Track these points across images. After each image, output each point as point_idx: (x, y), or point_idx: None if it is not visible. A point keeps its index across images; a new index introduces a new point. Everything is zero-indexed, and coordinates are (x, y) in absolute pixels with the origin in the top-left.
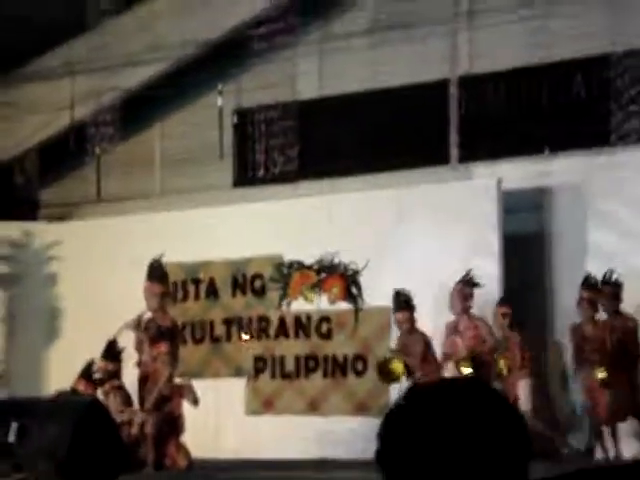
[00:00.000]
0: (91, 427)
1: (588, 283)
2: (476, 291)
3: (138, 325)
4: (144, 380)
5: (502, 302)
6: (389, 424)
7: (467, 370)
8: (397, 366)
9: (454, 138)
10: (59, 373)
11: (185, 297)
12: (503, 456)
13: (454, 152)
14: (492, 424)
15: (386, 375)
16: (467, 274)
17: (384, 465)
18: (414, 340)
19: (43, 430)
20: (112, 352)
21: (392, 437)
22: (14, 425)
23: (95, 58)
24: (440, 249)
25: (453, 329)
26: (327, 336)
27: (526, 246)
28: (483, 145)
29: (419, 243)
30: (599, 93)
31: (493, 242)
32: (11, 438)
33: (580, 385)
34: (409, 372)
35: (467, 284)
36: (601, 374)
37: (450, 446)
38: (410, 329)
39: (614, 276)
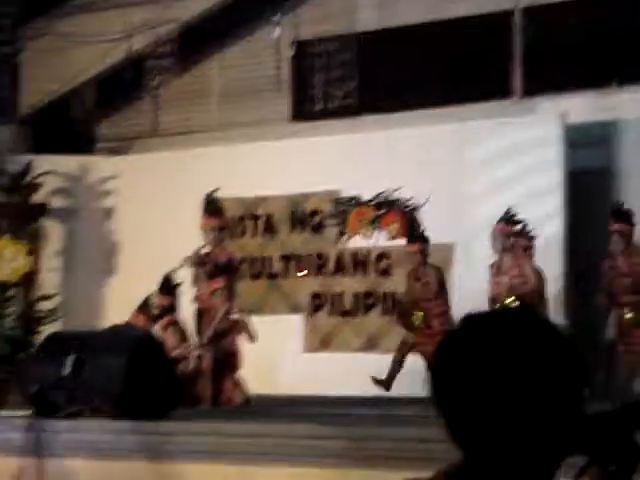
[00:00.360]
0: (145, 361)
1: (619, 213)
2: (541, 228)
3: (196, 260)
4: (201, 315)
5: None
6: (442, 354)
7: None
8: (416, 318)
9: (518, 70)
10: (115, 308)
11: (243, 232)
12: (559, 385)
13: (517, 85)
14: (547, 352)
15: (407, 325)
16: (507, 212)
17: (437, 396)
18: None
19: (98, 363)
20: (168, 287)
21: (445, 368)
22: (70, 358)
23: None
24: (503, 185)
25: (497, 269)
26: (385, 273)
27: (592, 182)
28: (548, 78)
29: (481, 179)
30: None
31: (557, 178)
32: (66, 370)
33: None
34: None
35: (508, 222)
36: (628, 314)
37: (505, 375)
38: (423, 261)
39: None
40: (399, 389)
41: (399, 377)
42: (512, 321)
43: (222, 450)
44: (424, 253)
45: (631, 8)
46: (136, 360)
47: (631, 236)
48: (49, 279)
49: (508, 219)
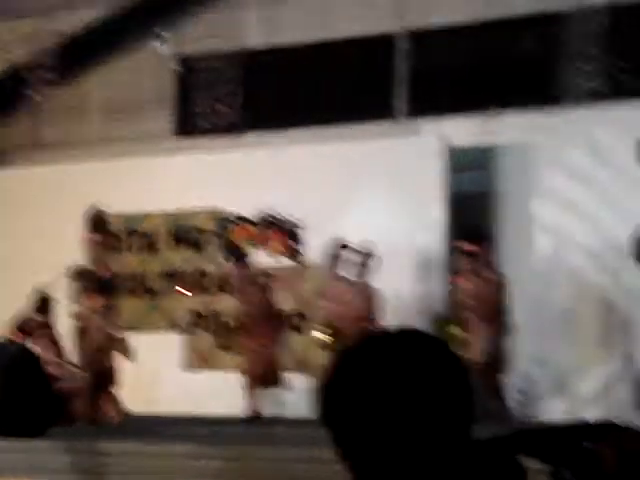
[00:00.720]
0: (22, 378)
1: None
2: (422, 251)
3: (76, 275)
4: (80, 331)
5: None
6: (334, 373)
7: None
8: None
9: (401, 93)
10: None
11: (123, 249)
12: (447, 409)
13: (401, 107)
14: (437, 375)
15: None
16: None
17: (327, 415)
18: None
19: None
20: (43, 303)
21: (336, 388)
22: None
23: (31, 1)
24: (384, 206)
25: (326, 293)
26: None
27: (472, 204)
28: (430, 101)
29: (363, 199)
30: (549, 51)
31: (438, 199)
32: None
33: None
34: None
35: (342, 249)
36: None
37: (395, 397)
38: None
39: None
40: (278, 409)
41: (278, 397)
42: (406, 342)
43: (99, 470)
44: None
45: (512, 36)
46: (12, 377)
47: (483, 256)
48: None
49: (342, 246)
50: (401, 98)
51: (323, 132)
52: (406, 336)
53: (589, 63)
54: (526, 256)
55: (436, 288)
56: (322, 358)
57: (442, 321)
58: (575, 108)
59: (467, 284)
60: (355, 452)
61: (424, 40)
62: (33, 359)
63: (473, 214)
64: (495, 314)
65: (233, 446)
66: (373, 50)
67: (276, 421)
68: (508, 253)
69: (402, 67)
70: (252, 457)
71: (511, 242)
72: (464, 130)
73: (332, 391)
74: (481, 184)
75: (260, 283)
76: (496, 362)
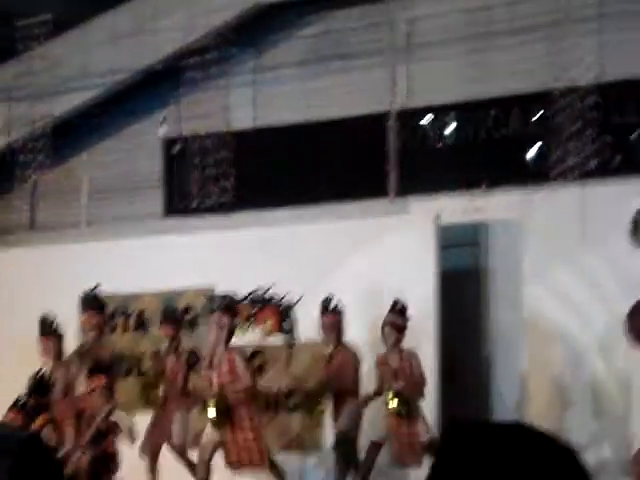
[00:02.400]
0: (31, 463)
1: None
2: (413, 326)
3: (75, 356)
4: (80, 413)
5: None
6: (439, 465)
7: None
8: None
9: (391, 172)
10: None
11: (114, 329)
12: None
13: (391, 186)
14: (550, 469)
15: None
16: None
17: None
18: None
19: None
20: (42, 385)
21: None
22: None
23: (25, 85)
24: (376, 284)
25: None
26: (260, 370)
27: (464, 281)
28: (421, 179)
29: (355, 277)
30: (538, 129)
31: (429, 277)
32: None
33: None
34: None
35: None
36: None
37: None
38: None
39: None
40: None
41: None
42: (511, 436)
43: None
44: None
45: (501, 114)
46: (22, 462)
47: (403, 330)
48: None
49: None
50: (392, 177)
51: (314, 211)
52: (511, 428)
53: (579, 140)
54: (516, 332)
55: (429, 364)
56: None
57: None
58: (565, 185)
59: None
60: None
61: (413, 119)
62: (44, 445)
63: (463, 291)
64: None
65: None
66: (363, 130)
67: None
68: (499, 329)
69: (393, 146)
70: None
71: (502, 318)
72: (454, 208)
73: (438, 475)
74: (471, 261)
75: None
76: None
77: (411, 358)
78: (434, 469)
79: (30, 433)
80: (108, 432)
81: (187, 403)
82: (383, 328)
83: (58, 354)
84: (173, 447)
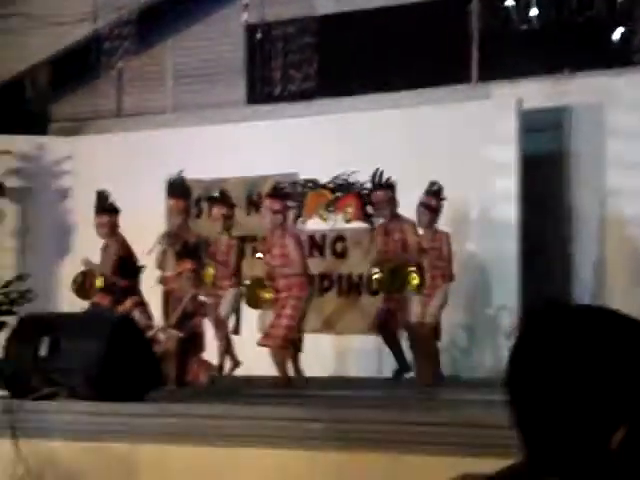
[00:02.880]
0: (123, 343)
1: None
2: (494, 210)
3: (167, 241)
4: (167, 296)
5: None
6: (520, 348)
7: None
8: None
9: (473, 56)
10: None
11: (199, 214)
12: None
13: (474, 70)
14: (629, 355)
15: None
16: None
17: (511, 388)
18: None
19: (75, 345)
20: (129, 268)
21: (522, 361)
22: (46, 339)
23: None
24: (458, 169)
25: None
26: (342, 255)
27: (545, 165)
28: (503, 63)
29: (436, 162)
30: (623, 12)
31: (512, 161)
32: (43, 352)
33: None
34: None
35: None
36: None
37: (584, 376)
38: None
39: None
40: (356, 370)
41: (356, 358)
42: (594, 318)
43: (194, 432)
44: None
45: None
46: (114, 342)
47: (437, 211)
48: (4, 259)
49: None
50: (474, 61)
51: (397, 97)
52: (600, 312)
53: None
54: (598, 216)
55: (510, 249)
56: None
57: None
58: None
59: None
60: (535, 424)
61: (496, 1)
62: (135, 326)
63: (546, 175)
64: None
65: (335, 409)
66: (446, 13)
67: (354, 382)
68: (580, 214)
69: (475, 30)
70: (355, 420)
71: (583, 203)
72: (536, 92)
73: (519, 356)
74: (554, 145)
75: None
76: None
77: (443, 239)
78: (515, 352)
79: (121, 315)
80: (195, 314)
81: (237, 283)
82: (418, 208)
83: (112, 229)
84: (216, 320)
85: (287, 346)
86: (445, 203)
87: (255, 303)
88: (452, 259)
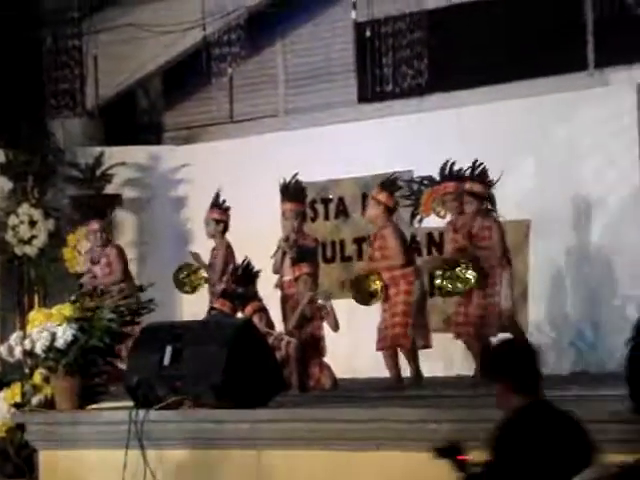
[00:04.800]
0: (246, 349)
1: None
2: (620, 200)
3: (285, 245)
4: (285, 301)
5: None
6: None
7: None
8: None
9: (589, 43)
10: (190, 298)
11: (315, 217)
12: None
13: (590, 57)
14: None
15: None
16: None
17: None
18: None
19: (198, 353)
20: (249, 274)
21: None
22: (169, 348)
23: None
24: (578, 159)
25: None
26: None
27: None
28: (619, 49)
29: (555, 154)
30: None
31: (634, 147)
32: (166, 361)
33: None
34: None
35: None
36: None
37: None
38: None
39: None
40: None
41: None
42: None
43: (325, 436)
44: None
45: None
46: (237, 349)
47: (483, 198)
48: None
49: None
50: (589, 48)
51: (512, 88)
52: None
53: None
54: None
55: (635, 237)
56: None
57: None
58: None
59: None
60: None
61: None
62: (257, 332)
63: None
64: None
65: (460, 409)
66: (559, 1)
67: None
68: None
69: (589, 16)
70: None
71: None
72: None
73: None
74: None
75: None
76: None
77: (493, 228)
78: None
79: (242, 321)
80: (313, 317)
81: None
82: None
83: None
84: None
85: (402, 345)
86: (568, 193)
87: (364, 298)
88: (506, 246)
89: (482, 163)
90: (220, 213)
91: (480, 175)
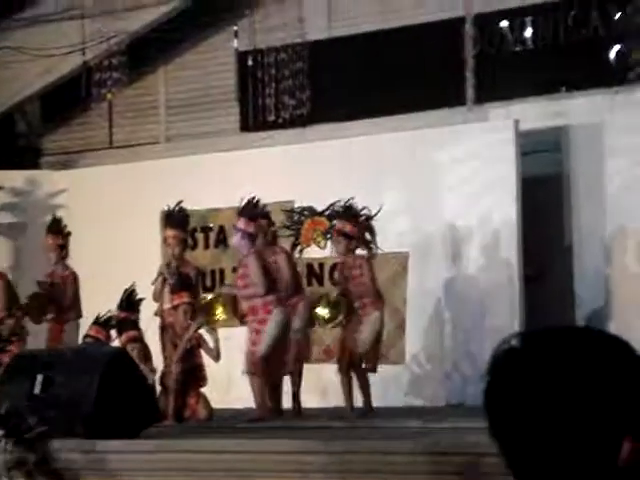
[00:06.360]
0: (118, 379)
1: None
2: (495, 233)
3: (170, 272)
4: (164, 330)
5: None
6: (498, 366)
7: None
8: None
9: (468, 79)
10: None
11: (195, 246)
12: (621, 414)
13: (469, 93)
14: (613, 376)
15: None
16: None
17: (489, 408)
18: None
19: (69, 382)
20: (130, 302)
21: (501, 380)
22: (39, 377)
23: (99, 1)
24: (456, 192)
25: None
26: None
27: (544, 187)
28: (499, 85)
29: (434, 186)
30: (617, 29)
31: (511, 183)
32: (36, 390)
33: None
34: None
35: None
36: None
37: (564, 396)
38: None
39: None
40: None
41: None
42: (577, 340)
43: (198, 467)
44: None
45: (579, 16)
46: (108, 378)
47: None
48: None
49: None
50: (469, 84)
51: (392, 121)
52: (576, 332)
53: None
54: (599, 236)
55: (511, 271)
56: None
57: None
58: None
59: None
60: (515, 450)
61: (489, 23)
62: (129, 361)
63: (545, 196)
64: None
65: (335, 441)
66: (439, 36)
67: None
68: (580, 235)
69: (469, 52)
70: (353, 451)
71: (583, 223)
72: (533, 113)
73: (497, 385)
74: (552, 166)
75: None
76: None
77: (363, 265)
78: (502, 371)
79: (117, 349)
80: (196, 346)
81: None
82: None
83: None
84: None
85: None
86: (445, 226)
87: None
88: (375, 284)
89: (350, 199)
90: (62, 238)
91: (353, 215)
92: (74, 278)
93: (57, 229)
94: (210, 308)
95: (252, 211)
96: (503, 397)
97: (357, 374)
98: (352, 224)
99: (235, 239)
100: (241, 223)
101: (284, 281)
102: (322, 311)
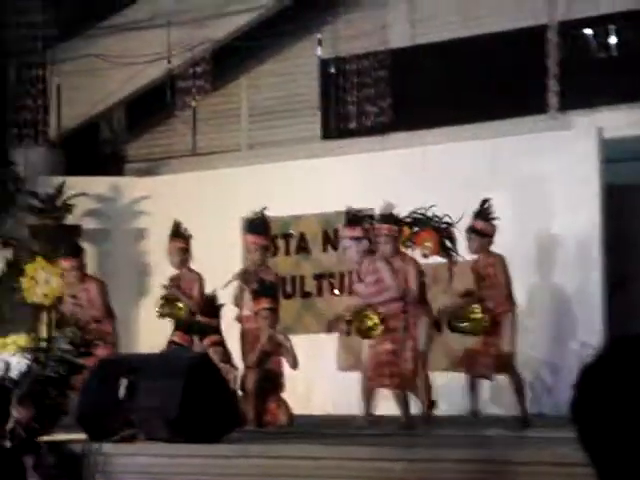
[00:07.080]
0: (201, 383)
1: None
2: (579, 241)
3: (244, 278)
4: (244, 335)
5: None
6: (589, 375)
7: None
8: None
9: (552, 86)
10: (148, 329)
11: (276, 252)
12: None
13: (552, 101)
14: None
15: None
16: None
17: (578, 418)
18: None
19: (153, 386)
20: (211, 307)
21: (590, 390)
22: (124, 381)
23: (184, 9)
24: (538, 201)
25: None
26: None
27: (628, 196)
28: (582, 93)
29: (516, 195)
30: None
31: (594, 192)
32: (121, 394)
33: None
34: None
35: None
36: None
37: None
38: None
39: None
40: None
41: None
42: None
43: (278, 473)
44: None
45: None
46: (193, 383)
47: (486, 235)
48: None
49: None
50: (552, 91)
51: (473, 129)
52: None
53: None
54: None
55: (594, 279)
56: None
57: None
58: None
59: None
60: (603, 459)
61: (574, 30)
62: (213, 366)
63: (629, 204)
64: None
65: (415, 448)
66: (523, 43)
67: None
68: None
69: (552, 59)
70: (436, 459)
71: None
72: (617, 121)
73: (587, 392)
74: (636, 175)
75: None
76: None
77: (496, 264)
78: (591, 382)
79: (200, 354)
80: (273, 353)
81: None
82: (467, 234)
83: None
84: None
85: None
86: (528, 234)
87: (365, 332)
88: (510, 284)
89: (486, 201)
90: (184, 241)
91: (485, 215)
92: (200, 280)
93: (179, 233)
94: (362, 317)
95: (359, 218)
96: (594, 407)
97: (511, 376)
98: (487, 223)
99: (348, 249)
100: (356, 231)
101: (411, 290)
102: (461, 324)
